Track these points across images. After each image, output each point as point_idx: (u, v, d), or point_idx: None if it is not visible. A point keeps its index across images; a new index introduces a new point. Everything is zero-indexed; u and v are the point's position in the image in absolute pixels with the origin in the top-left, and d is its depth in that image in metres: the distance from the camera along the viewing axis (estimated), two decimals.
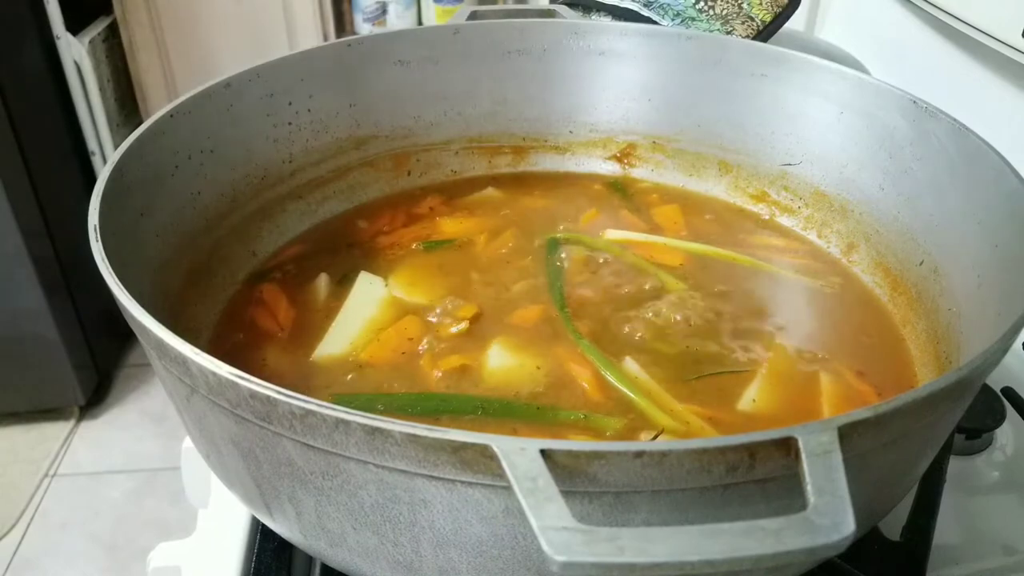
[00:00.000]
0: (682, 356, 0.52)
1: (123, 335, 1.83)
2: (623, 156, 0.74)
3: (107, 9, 1.66)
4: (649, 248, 0.63)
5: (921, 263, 0.56)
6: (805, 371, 0.52)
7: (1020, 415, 0.58)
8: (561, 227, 0.66)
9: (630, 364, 0.51)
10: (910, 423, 0.33)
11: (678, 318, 0.55)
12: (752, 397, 0.49)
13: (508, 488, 0.27)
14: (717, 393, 0.50)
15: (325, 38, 1.93)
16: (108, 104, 1.67)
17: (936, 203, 0.55)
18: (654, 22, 0.84)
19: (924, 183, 0.56)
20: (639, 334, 0.54)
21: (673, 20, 0.84)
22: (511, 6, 1.21)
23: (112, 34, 1.67)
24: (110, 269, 0.39)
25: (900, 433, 0.33)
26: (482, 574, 0.34)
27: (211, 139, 0.58)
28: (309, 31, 1.90)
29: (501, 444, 0.28)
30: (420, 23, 1.96)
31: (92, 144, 1.67)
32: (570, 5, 0.87)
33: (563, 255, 0.62)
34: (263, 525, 0.50)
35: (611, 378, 0.50)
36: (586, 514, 0.29)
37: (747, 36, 0.82)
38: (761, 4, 0.84)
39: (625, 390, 0.49)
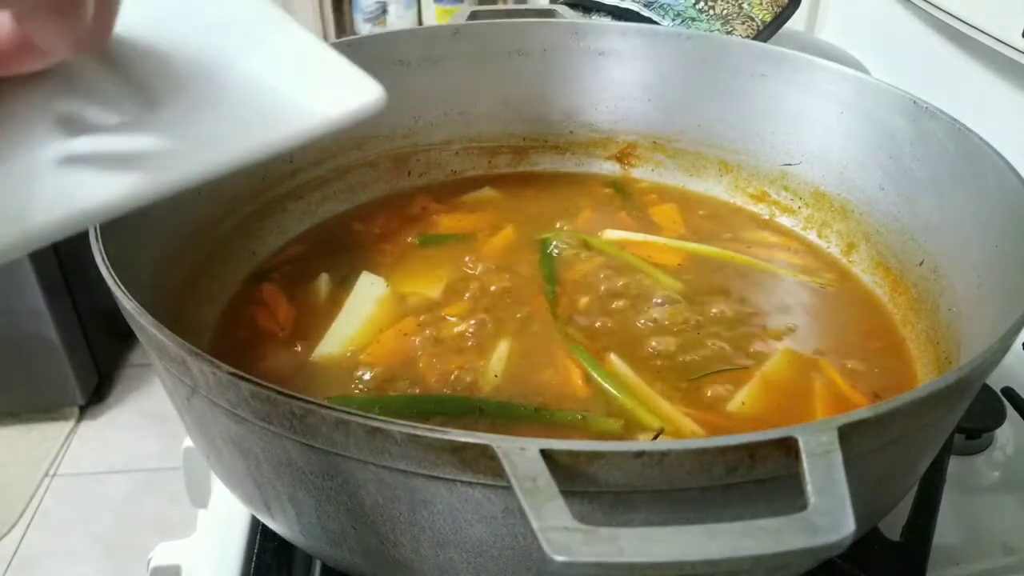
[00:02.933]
0: (677, 357, 0.52)
1: (123, 335, 1.83)
2: (623, 156, 0.74)
3: None
4: (647, 248, 0.63)
5: (921, 263, 0.56)
6: (802, 371, 0.52)
7: (1020, 415, 0.58)
8: (558, 226, 0.66)
9: (621, 365, 0.51)
10: (910, 423, 0.33)
11: (674, 319, 0.55)
12: (743, 399, 0.49)
13: (508, 488, 0.27)
14: (711, 394, 0.49)
15: (325, 38, 1.93)
16: None
17: (936, 203, 0.55)
18: (654, 22, 0.84)
19: (924, 183, 0.56)
20: (634, 335, 0.54)
21: (673, 20, 0.84)
22: (511, 6, 1.21)
23: None
24: (110, 269, 0.39)
25: (900, 433, 0.33)
26: (482, 574, 0.34)
27: None
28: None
29: (501, 444, 0.28)
30: (420, 23, 1.96)
31: None
32: (570, 5, 0.87)
33: (559, 255, 0.62)
34: (263, 525, 0.50)
35: (600, 379, 0.50)
36: (586, 514, 0.29)
37: (747, 36, 0.82)
38: (761, 4, 0.84)
39: (614, 391, 0.49)
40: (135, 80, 0.30)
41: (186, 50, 0.31)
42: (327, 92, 0.29)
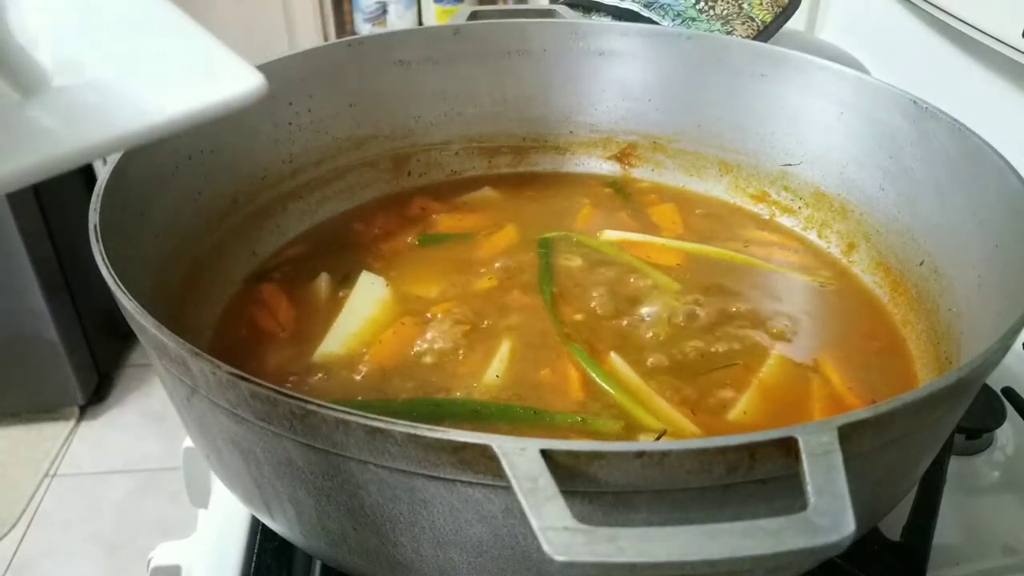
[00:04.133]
0: (676, 357, 0.52)
1: (123, 335, 1.83)
2: (623, 156, 0.74)
3: None
4: (646, 248, 0.63)
5: (921, 263, 0.56)
6: (802, 372, 0.52)
7: (1020, 415, 0.58)
8: (557, 228, 0.66)
9: (621, 366, 0.51)
10: (910, 423, 0.33)
11: (672, 319, 0.55)
12: (744, 405, 0.49)
13: (508, 488, 0.27)
14: (710, 395, 0.49)
15: (325, 38, 1.93)
16: None
17: (936, 203, 0.55)
18: (654, 22, 0.84)
19: (924, 183, 0.56)
20: (632, 335, 0.54)
21: (673, 20, 0.84)
22: (511, 6, 1.21)
23: None
24: (110, 269, 0.39)
25: (900, 433, 0.33)
26: (482, 574, 0.34)
27: (211, 139, 0.58)
28: (309, 31, 1.91)
29: (501, 444, 0.28)
30: (420, 23, 1.96)
31: None
32: (570, 5, 0.87)
33: (557, 256, 0.62)
34: (263, 525, 0.50)
35: (599, 380, 0.50)
36: (586, 514, 0.29)
37: (747, 36, 0.82)
38: (761, 4, 0.84)
39: (613, 392, 0.49)
40: (8, 65, 0.30)
41: (65, 38, 0.31)
42: (204, 80, 0.29)
